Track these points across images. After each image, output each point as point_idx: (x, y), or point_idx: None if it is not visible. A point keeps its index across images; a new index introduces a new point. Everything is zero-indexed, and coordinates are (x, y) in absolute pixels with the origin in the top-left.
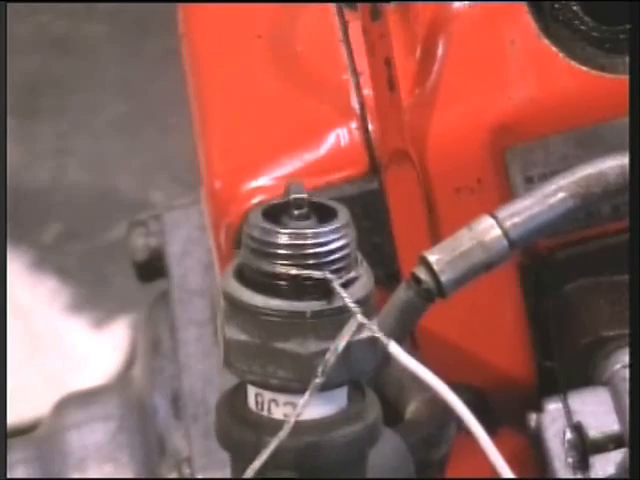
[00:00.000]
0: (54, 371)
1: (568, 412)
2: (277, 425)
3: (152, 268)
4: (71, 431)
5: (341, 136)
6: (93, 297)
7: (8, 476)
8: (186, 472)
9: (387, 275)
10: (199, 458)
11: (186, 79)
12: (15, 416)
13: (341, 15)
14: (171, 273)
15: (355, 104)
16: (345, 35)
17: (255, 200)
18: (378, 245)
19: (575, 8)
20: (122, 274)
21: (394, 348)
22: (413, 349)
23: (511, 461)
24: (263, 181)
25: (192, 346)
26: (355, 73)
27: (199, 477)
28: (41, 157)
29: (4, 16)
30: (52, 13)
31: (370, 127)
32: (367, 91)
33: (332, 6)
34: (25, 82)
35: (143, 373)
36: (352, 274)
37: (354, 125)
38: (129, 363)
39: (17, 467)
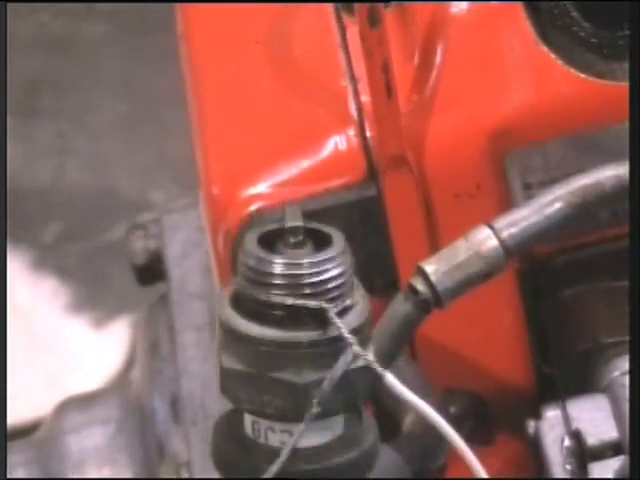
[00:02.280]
0: (54, 371)
1: (567, 419)
2: (274, 452)
3: (151, 271)
4: (70, 434)
5: (339, 142)
6: (93, 297)
7: (8, 478)
8: (185, 475)
9: (385, 281)
10: (198, 461)
11: (184, 81)
12: (15, 416)
13: (339, 21)
14: (170, 276)
15: (353, 110)
16: (343, 41)
17: (253, 206)
18: (376, 251)
19: (574, 14)
20: (122, 274)
21: (390, 379)
22: (412, 357)
23: (510, 467)
24: (261, 187)
25: (191, 349)
26: (353, 79)
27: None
28: (41, 157)
29: (4, 16)
30: (52, 13)
31: (368, 133)
32: (365, 97)
33: (330, 11)
34: (25, 82)
35: (142, 376)
36: (348, 302)
37: (352, 131)
38: (129, 363)
39: (17, 469)
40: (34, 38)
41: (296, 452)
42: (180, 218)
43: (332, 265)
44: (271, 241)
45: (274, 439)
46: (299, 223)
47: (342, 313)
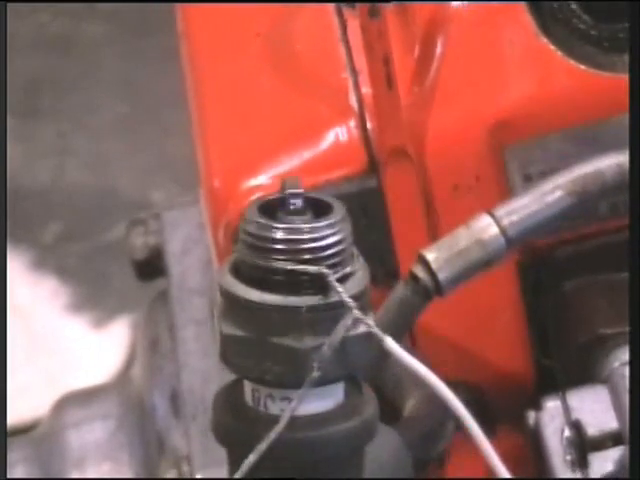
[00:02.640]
0: (54, 371)
1: (567, 410)
2: (274, 420)
3: (151, 267)
4: (70, 430)
5: (340, 134)
6: (93, 297)
7: (8, 475)
8: (185, 470)
9: (386, 272)
10: (198, 456)
11: (185, 78)
12: (15, 416)
13: (340, 14)
14: (170, 272)
15: (354, 102)
16: (344, 34)
17: (254, 198)
18: (377, 243)
19: (574, 6)
20: (122, 274)
21: (390, 343)
22: (412, 347)
23: (509, 459)
24: (262, 179)
25: (191, 345)
26: (354, 71)
27: (198, 476)
28: (41, 157)
29: (4, 16)
30: (52, 13)
31: (369, 125)
32: (366, 89)
33: (331, 5)
34: (25, 82)
35: (142, 372)
36: (348, 269)
37: (353, 123)
38: (129, 363)
39: (17, 466)
40: (34, 38)
41: (296, 420)
42: (180, 214)
43: (332, 231)
44: (272, 210)
45: (274, 407)
46: (299, 190)
47: (342, 280)
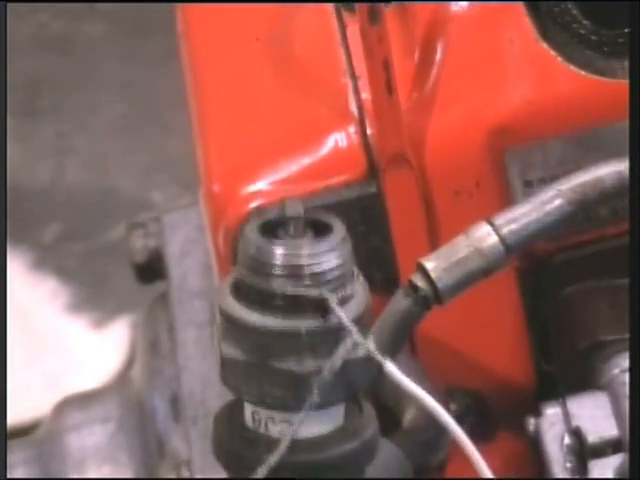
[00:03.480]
0: (54, 371)
1: (567, 416)
2: (274, 442)
3: (151, 269)
4: (70, 432)
5: (339, 140)
6: (93, 297)
7: (8, 477)
8: (185, 474)
9: (385, 279)
10: (198, 460)
11: (185, 79)
12: (15, 416)
13: (340, 18)
14: (170, 274)
15: (353, 107)
16: (343, 38)
17: (253, 203)
18: (377, 249)
19: (574, 11)
20: (122, 274)
21: (390, 367)
22: (412, 353)
23: (509, 465)
24: (261, 184)
25: (191, 347)
26: (353, 76)
27: (198, 479)
28: (41, 157)
29: (4, 16)
30: (52, 13)
31: (368, 130)
32: (365, 94)
33: (331, 9)
34: (25, 82)
35: (142, 374)
36: (348, 291)
37: (352, 129)
38: (129, 363)
39: (17, 468)
40: (34, 38)
41: (296, 442)
42: (180, 217)
43: (333, 254)
44: (271, 230)
45: (274, 429)
46: (299, 213)
47: (342, 302)
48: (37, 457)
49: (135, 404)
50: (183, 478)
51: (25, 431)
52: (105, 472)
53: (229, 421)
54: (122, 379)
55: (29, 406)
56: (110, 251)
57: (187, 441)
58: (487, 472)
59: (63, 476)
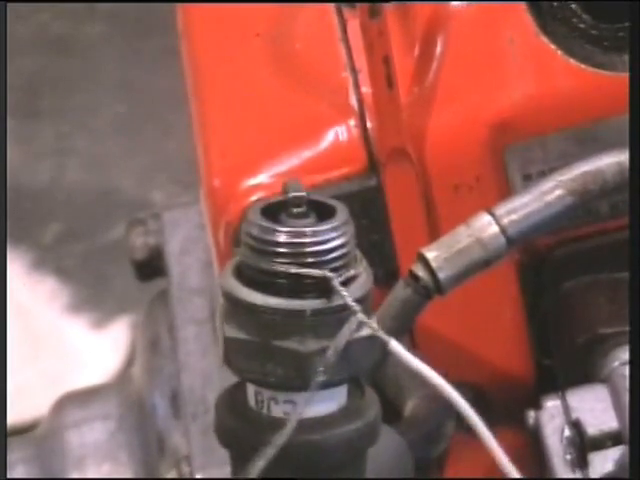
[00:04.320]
0: (54, 371)
1: (567, 409)
2: (277, 423)
3: (151, 267)
4: (70, 430)
5: (340, 134)
6: (93, 297)
7: (8, 475)
8: (185, 471)
9: (386, 272)
10: (198, 456)
11: (185, 78)
12: (15, 416)
13: (340, 13)
14: (170, 272)
15: (354, 102)
16: (344, 33)
17: (254, 198)
18: (377, 242)
19: (574, 6)
20: (122, 274)
21: (395, 346)
22: (412, 347)
23: (510, 458)
24: (262, 179)
25: (191, 344)
26: (354, 71)
27: (198, 476)
28: (41, 157)
29: (4, 16)
30: (52, 13)
31: (369, 125)
32: (366, 89)
33: (331, 5)
34: (25, 82)
35: (142, 372)
36: (351, 272)
37: (353, 123)
38: (129, 363)
39: (17, 466)
40: (34, 38)
41: (299, 422)
42: (180, 214)
43: (336, 234)
44: (274, 213)
45: (277, 410)
46: (302, 193)
47: (346, 283)
48: (37, 455)
49: (135, 401)
50: (183, 478)
51: (25, 431)
52: (105, 469)
53: (231, 402)
54: (122, 377)
55: (29, 406)
56: (110, 251)
57: (187, 438)
58: (497, 449)
59: (63, 474)
